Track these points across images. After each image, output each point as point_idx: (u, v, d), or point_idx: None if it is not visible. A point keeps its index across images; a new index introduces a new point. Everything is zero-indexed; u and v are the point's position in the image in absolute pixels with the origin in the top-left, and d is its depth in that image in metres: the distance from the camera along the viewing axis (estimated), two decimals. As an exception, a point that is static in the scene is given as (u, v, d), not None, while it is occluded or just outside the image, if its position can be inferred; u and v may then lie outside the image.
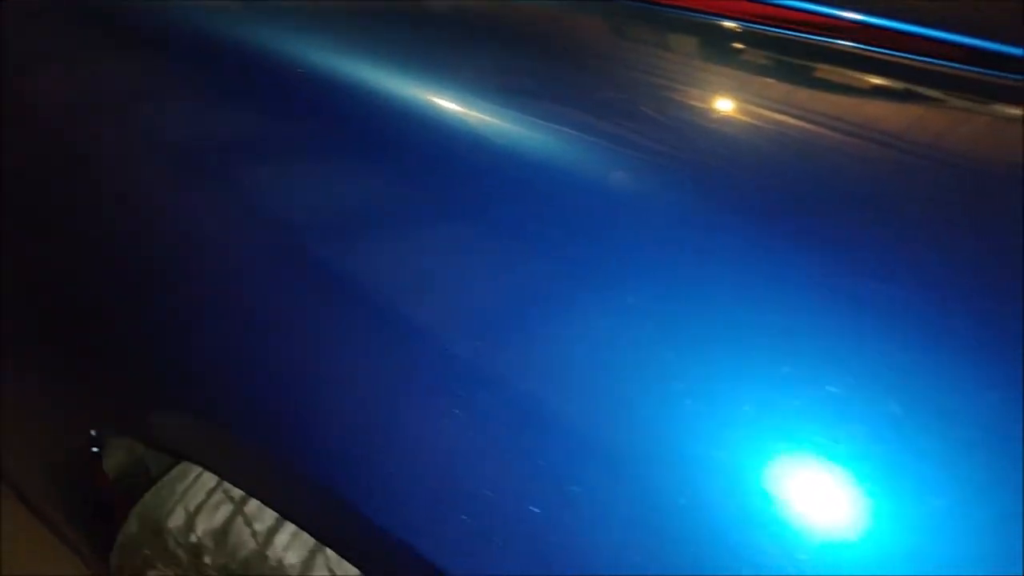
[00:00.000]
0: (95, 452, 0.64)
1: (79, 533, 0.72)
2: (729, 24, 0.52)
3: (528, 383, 0.37)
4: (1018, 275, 0.34)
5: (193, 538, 0.53)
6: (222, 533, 0.52)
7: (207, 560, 0.52)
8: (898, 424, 0.31)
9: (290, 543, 0.49)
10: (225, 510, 0.53)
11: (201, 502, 0.54)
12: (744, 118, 0.45)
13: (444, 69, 0.48)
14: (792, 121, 0.44)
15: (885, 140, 0.44)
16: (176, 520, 0.55)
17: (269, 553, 0.49)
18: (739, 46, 0.52)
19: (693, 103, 0.46)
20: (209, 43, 0.55)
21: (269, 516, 0.51)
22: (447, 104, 0.45)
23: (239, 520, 0.52)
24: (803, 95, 0.48)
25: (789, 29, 0.51)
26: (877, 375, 0.32)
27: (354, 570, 0.47)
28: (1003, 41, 0.48)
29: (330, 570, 0.48)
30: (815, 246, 0.36)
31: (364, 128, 0.47)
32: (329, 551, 0.48)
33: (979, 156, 0.43)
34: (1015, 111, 0.46)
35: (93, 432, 0.62)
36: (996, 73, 0.47)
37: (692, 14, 0.54)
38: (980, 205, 0.38)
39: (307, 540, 0.49)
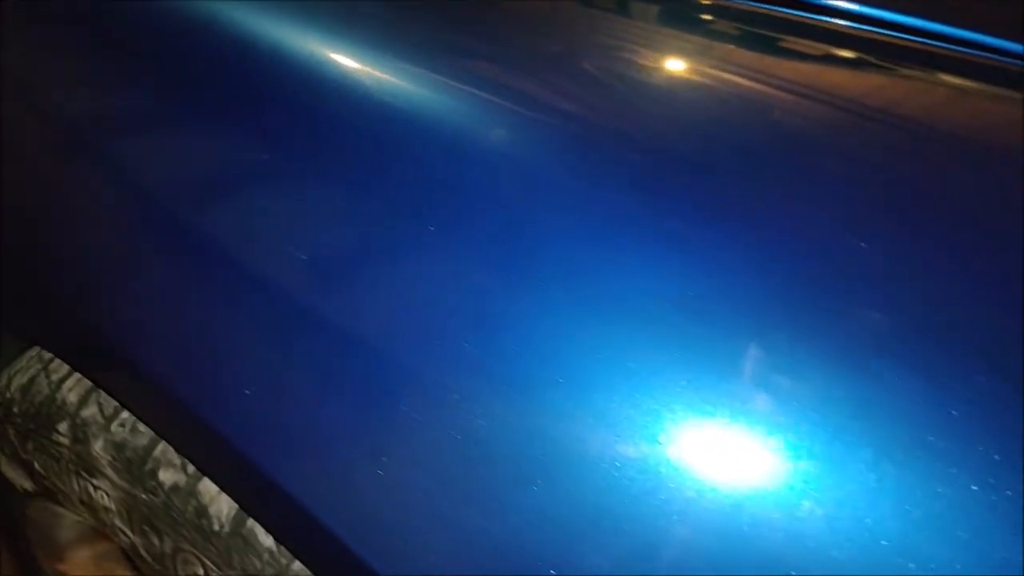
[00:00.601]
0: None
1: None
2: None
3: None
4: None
5: (8, 394, 0.63)
6: (28, 385, 0.62)
7: (15, 409, 0.62)
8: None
9: (73, 386, 0.59)
10: (35, 369, 0.63)
11: (21, 367, 0.64)
12: (684, 80, 0.46)
13: (359, 27, 0.48)
14: (735, 83, 0.45)
15: (828, 102, 0.44)
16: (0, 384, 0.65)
17: (57, 395, 0.59)
18: (705, 16, 0.53)
19: (633, 65, 0.47)
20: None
21: (64, 368, 0.61)
22: (345, 61, 0.47)
23: (42, 375, 0.62)
24: (758, 61, 0.49)
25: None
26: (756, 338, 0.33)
27: (115, 402, 0.56)
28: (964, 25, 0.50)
29: (99, 404, 0.57)
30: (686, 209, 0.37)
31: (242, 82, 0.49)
32: (102, 391, 0.58)
33: (930, 123, 0.44)
34: (971, 84, 0.49)
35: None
36: (956, 48, 0.49)
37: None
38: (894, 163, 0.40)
39: (86, 383, 0.59)
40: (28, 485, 0.66)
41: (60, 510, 0.72)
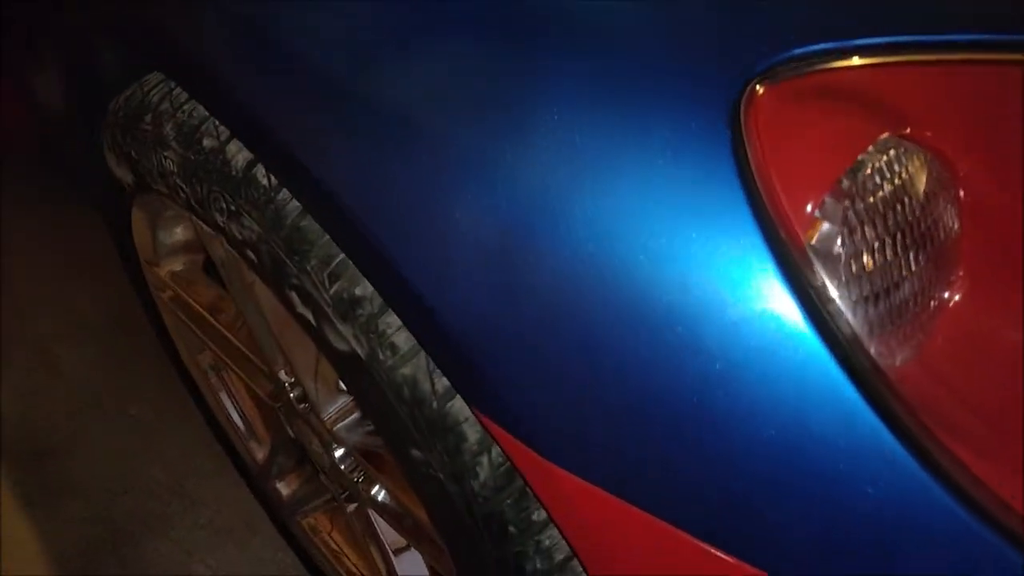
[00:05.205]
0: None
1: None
2: None
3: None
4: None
5: (119, 107, 0.88)
6: (130, 98, 0.86)
7: (121, 114, 0.87)
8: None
9: (157, 91, 0.82)
10: (134, 87, 0.87)
11: (127, 92, 0.89)
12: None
13: None
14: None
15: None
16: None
17: (145, 99, 0.83)
18: None
19: None
20: None
21: (154, 80, 0.84)
22: None
23: (138, 89, 0.86)
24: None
25: None
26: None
27: (183, 98, 0.79)
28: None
29: (171, 100, 0.80)
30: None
31: None
32: (174, 91, 0.81)
33: None
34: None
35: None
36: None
37: None
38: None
39: (164, 88, 0.82)
40: (130, 179, 0.91)
41: (156, 218, 0.99)
